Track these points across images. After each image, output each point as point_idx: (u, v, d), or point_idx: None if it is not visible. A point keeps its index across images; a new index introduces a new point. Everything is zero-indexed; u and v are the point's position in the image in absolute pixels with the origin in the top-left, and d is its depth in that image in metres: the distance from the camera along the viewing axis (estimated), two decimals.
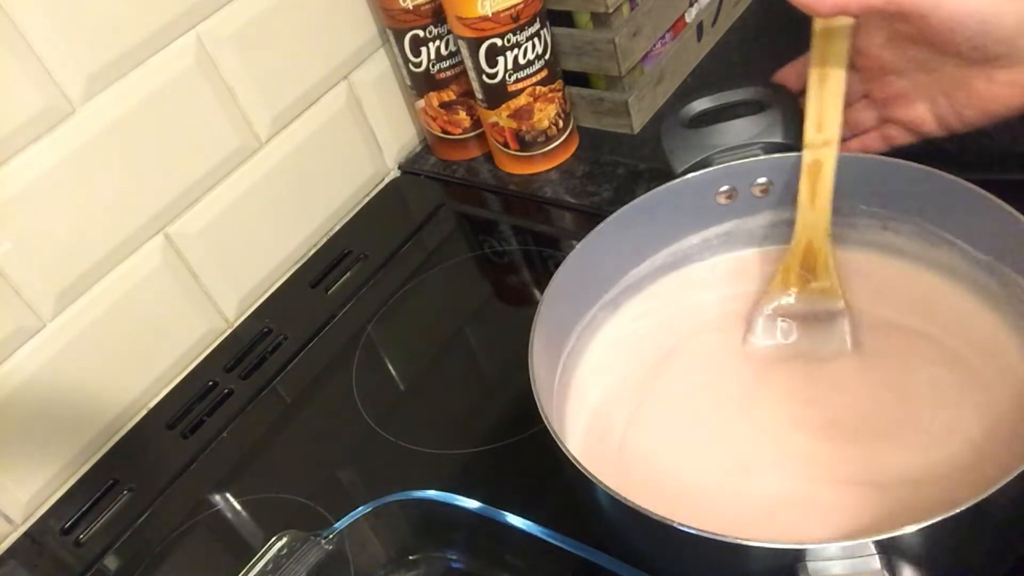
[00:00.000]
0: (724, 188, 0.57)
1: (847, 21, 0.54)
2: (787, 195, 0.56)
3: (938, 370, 0.51)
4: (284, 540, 0.53)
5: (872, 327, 0.54)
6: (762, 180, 0.56)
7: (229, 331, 0.76)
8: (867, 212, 0.56)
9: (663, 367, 0.56)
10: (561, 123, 0.78)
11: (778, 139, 0.56)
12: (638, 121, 0.80)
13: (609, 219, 0.55)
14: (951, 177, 0.51)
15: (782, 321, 0.55)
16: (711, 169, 0.56)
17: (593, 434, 0.54)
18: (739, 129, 0.57)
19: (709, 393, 0.54)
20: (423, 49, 0.78)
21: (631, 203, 0.55)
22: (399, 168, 0.87)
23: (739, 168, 0.56)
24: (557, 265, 0.54)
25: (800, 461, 0.49)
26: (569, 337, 0.56)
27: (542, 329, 0.51)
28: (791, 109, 0.57)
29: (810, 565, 0.39)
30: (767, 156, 0.56)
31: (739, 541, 0.39)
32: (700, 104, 0.59)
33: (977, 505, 0.38)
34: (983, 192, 0.50)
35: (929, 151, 0.56)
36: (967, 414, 0.49)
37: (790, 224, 0.56)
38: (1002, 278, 0.51)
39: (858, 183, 0.55)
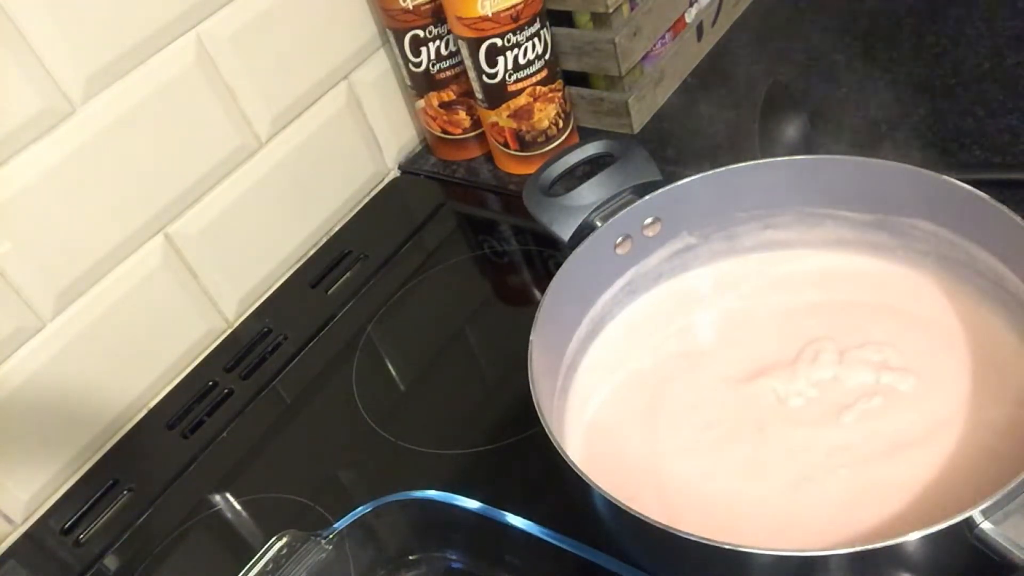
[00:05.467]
0: (619, 239, 0.57)
1: None
2: (673, 227, 0.58)
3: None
4: (284, 540, 0.53)
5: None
6: (648, 220, 0.58)
7: (229, 331, 0.76)
8: (746, 218, 0.58)
9: (667, 369, 0.56)
10: (561, 123, 0.78)
11: (643, 180, 0.57)
12: (638, 121, 0.80)
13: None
14: (828, 156, 0.55)
15: None
16: (609, 223, 0.56)
17: (594, 437, 0.54)
18: (603, 183, 0.57)
19: (715, 396, 0.54)
20: (423, 49, 0.78)
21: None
22: (399, 168, 0.87)
23: (628, 214, 0.57)
24: (557, 265, 0.54)
25: (812, 464, 0.49)
26: (570, 338, 0.56)
27: (542, 330, 0.51)
28: (640, 153, 0.58)
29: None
30: (647, 196, 0.57)
31: (742, 549, 0.39)
32: (555, 170, 0.60)
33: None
34: (861, 159, 0.53)
35: None
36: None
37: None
38: (893, 229, 0.55)
39: (737, 194, 0.57)
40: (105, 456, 0.69)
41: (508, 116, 0.76)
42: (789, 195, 0.57)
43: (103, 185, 0.65)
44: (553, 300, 0.53)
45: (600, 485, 0.43)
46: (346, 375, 0.69)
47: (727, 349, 0.56)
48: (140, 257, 0.69)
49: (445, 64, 0.79)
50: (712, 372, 0.55)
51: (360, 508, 0.54)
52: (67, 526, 0.65)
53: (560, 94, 0.77)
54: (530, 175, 0.60)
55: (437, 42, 0.77)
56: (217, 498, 0.64)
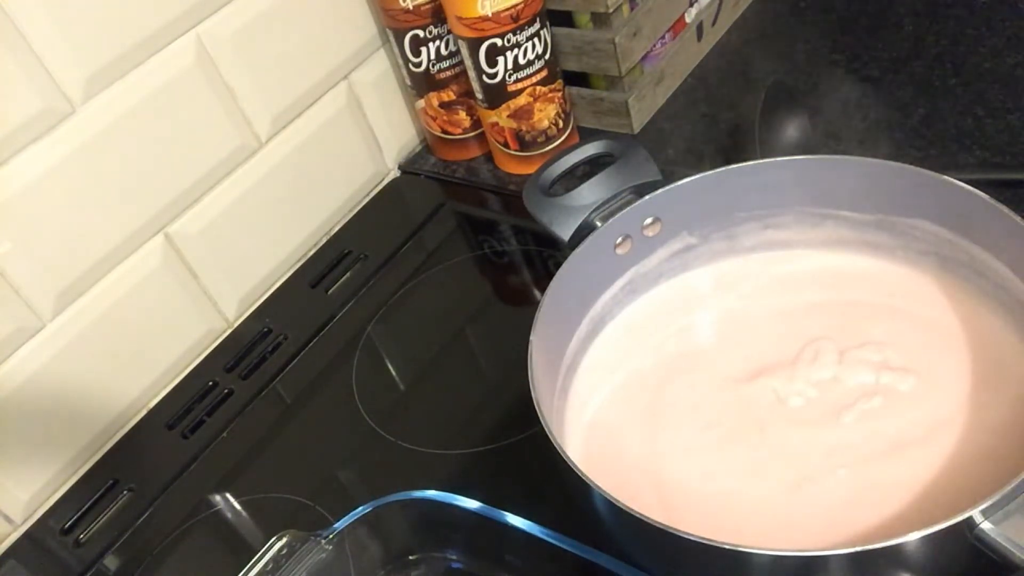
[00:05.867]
0: (619, 239, 0.57)
1: None
2: (673, 227, 0.58)
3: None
4: (284, 540, 0.53)
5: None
6: (648, 220, 0.57)
7: (229, 331, 0.76)
8: (746, 218, 0.58)
9: (667, 369, 0.56)
10: (561, 123, 0.78)
11: (643, 180, 0.57)
12: (638, 121, 0.80)
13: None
14: (830, 156, 0.55)
15: None
16: (609, 223, 0.56)
17: (594, 437, 0.53)
18: (603, 183, 0.57)
19: (715, 396, 0.54)
20: (423, 49, 0.78)
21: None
22: (399, 168, 0.87)
23: (628, 214, 0.57)
24: (557, 265, 0.54)
25: (812, 464, 0.49)
26: (570, 338, 0.56)
27: (542, 330, 0.51)
28: (640, 153, 0.58)
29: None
30: (647, 196, 0.57)
31: (742, 549, 0.39)
32: (555, 170, 0.60)
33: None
34: (869, 160, 0.53)
35: None
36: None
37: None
38: (893, 229, 0.55)
39: (737, 194, 0.57)
40: (105, 456, 0.69)
41: (508, 116, 0.76)
42: (789, 195, 0.57)
43: (103, 185, 0.65)
44: (553, 300, 0.53)
45: (600, 485, 0.43)
46: (346, 375, 0.69)
47: (727, 349, 0.56)
48: (140, 257, 0.69)
49: (445, 64, 0.79)
50: (712, 372, 0.55)
51: (360, 508, 0.54)
52: (67, 526, 0.65)
53: (560, 94, 0.77)
54: (530, 175, 0.60)
55: (437, 42, 0.77)
56: (217, 498, 0.64)
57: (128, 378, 0.70)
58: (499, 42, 0.72)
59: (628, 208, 0.57)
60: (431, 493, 0.54)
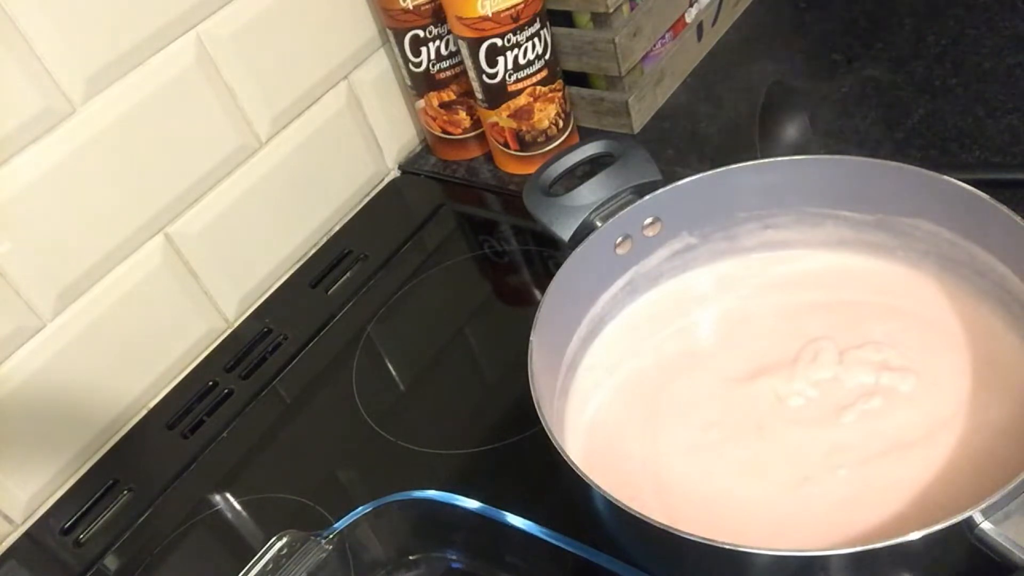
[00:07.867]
0: (619, 239, 0.57)
1: None
2: (673, 227, 0.58)
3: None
4: (284, 540, 0.53)
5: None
6: (648, 220, 0.57)
7: (229, 331, 0.76)
8: (746, 218, 0.58)
9: (667, 369, 0.56)
10: (561, 123, 0.78)
11: (643, 180, 0.57)
12: (638, 121, 0.80)
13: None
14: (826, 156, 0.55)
15: None
16: (609, 223, 0.56)
17: (594, 437, 0.53)
18: (603, 183, 0.57)
19: (715, 396, 0.54)
20: (423, 49, 0.78)
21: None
22: (399, 168, 0.87)
23: (628, 214, 0.57)
24: (557, 265, 0.54)
25: (812, 464, 0.49)
26: (570, 338, 0.56)
27: (542, 330, 0.51)
28: (640, 153, 0.58)
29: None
30: (647, 196, 0.57)
31: (742, 549, 0.39)
32: (555, 170, 0.60)
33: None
34: (868, 159, 0.53)
35: None
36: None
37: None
38: (893, 229, 0.56)
39: (737, 194, 0.57)
40: (105, 456, 0.69)
41: (508, 116, 0.76)
42: (789, 195, 0.57)
43: (103, 185, 0.65)
44: (553, 300, 0.53)
45: (600, 485, 0.43)
46: (346, 375, 0.69)
47: (727, 349, 0.56)
48: (140, 257, 0.69)
49: (445, 64, 0.79)
50: (712, 372, 0.55)
51: (360, 508, 0.54)
52: (67, 526, 0.65)
53: (560, 94, 0.77)
54: (530, 175, 0.60)
55: (437, 42, 0.77)
56: (217, 498, 0.64)
57: (128, 378, 0.70)
58: (499, 42, 0.72)
59: (628, 208, 0.57)
60: (431, 493, 0.54)
